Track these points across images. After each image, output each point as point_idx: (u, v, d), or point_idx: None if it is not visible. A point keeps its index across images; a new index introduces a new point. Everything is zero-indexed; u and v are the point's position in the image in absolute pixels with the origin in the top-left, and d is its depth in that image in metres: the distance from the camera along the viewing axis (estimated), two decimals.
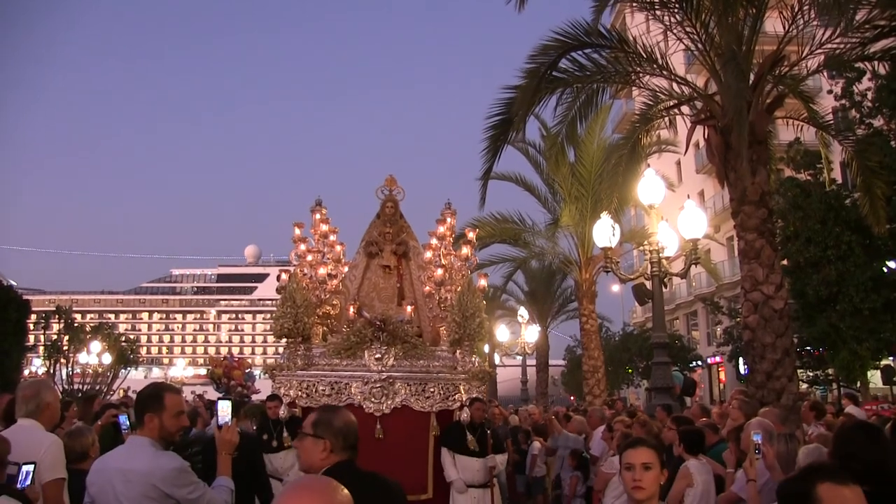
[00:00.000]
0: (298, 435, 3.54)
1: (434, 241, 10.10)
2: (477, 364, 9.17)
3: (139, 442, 3.93)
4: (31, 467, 4.15)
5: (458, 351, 8.95)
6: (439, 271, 9.48)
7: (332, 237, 10.53)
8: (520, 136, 12.09)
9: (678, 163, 41.29)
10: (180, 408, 4.10)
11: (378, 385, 8.72)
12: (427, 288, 9.82)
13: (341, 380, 8.83)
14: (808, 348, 24.37)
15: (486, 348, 38.89)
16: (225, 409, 4.39)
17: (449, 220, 10.16)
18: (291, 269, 9.76)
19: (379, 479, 3.51)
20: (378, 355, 8.80)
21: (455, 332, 8.73)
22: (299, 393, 8.83)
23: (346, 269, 10.59)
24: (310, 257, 9.90)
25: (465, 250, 9.88)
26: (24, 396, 4.72)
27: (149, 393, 4.07)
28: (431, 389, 8.79)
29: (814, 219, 21.25)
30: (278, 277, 9.64)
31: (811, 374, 25.52)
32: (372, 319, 8.98)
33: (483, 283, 10.07)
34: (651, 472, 3.47)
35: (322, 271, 9.78)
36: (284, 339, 9.01)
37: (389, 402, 8.71)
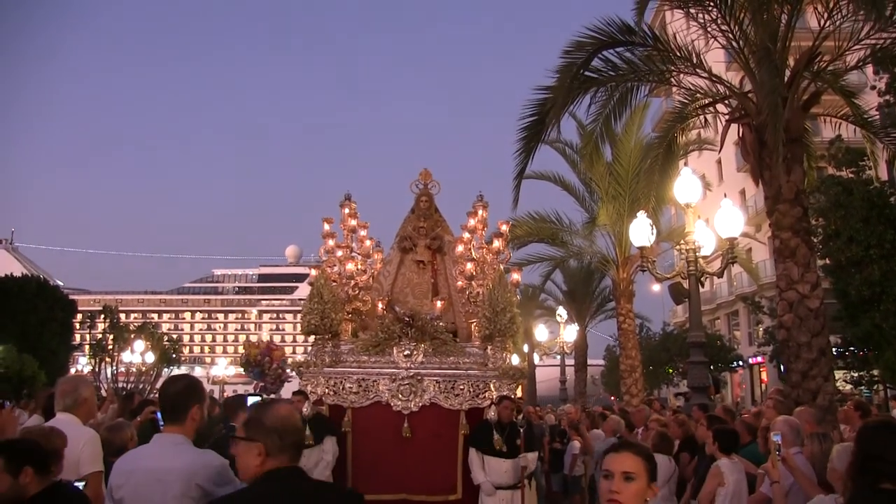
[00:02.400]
0: (231, 440, 3.18)
1: (465, 235, 9.87)
2: (508, 361, 8.91)
3: (176, 440, 3.68)
4: (81, 484, 4.23)
5: (489, 347, 8.74)
6: (469, 265, 9.29)
7: (363, 232, 10.37)
8: (553, 136, 12.06)
9: (718, 161, 40.83)
10: None
11: (406, 382, 8.58)
12: (460, 283, 9.63)
13: (369, 377, 8.70)
14: (853, 349, 23.98)
15: (526, 347, 39.08)
16: None
17: (481, 212, 9.90)
18: (321, 264, 9.65)
19: (328, 490, 3.23)
20: (407, 352, 8.66)
21: (486, 328, 8.53)
22: (326, 390, 8.69)
23: (378, 264, 10.43)
24: (339, 253, 9.78)
25: (497, 244, 9.64)
26: (62, 391, 4.84)
27: (190, 383, 3.85)
28: (461, 387, 8.62)
29: (856, 217, 20.87)
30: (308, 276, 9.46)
31: (856, 374, 25.12)
32: (400, 315, 8.82)
33: (516, 277, 9.71)
34: (634, 483, 2.79)
35: (350, 266, 9.63)
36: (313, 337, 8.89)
37: (418, 400, 8.57)
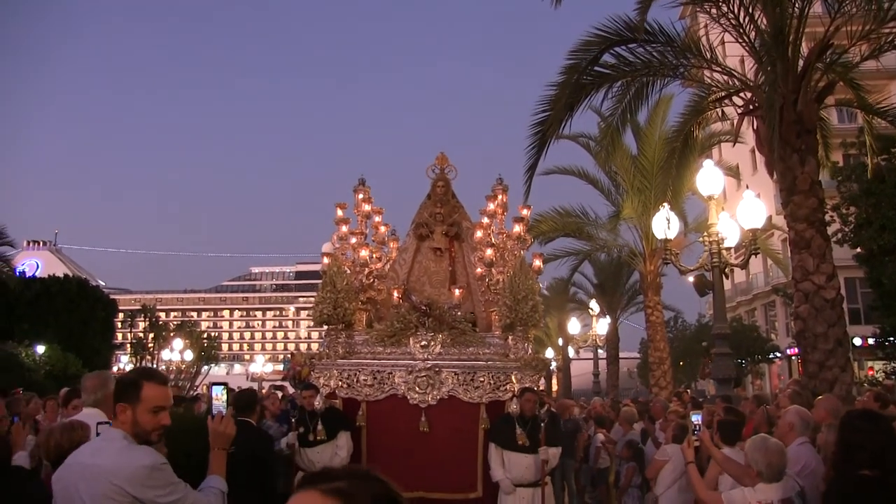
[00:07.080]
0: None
1: (485, 220, 9.38)
2: (531, 351, 8.41)
3: (111, 435, 3.34)
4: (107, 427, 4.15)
5: (510, 337, 8.28)
6: (489, 251, 8.83)
7: (377, 218, 9.93)
8: (565, 132, 12.04)
9: (752, 150, 40.36)
10: (161, 402, 3.34)
11: (423, 374, 8.17)
12: (479, 270, 9.15)
13: (384, 369, 8.30)
14: (892, 339, 23.67)
15: (560, 341, 39.06)
16: (219, 396, 3.78)
17: (500, 196, 9.43)
18: (334, 252, 9.22)
19: None
20: (424, 342, 8.25)
21: (506, 317, 8.09)
22: (340, 383, 8.32)
23: (393, 252, 10.03)
24: (353, 239, 9.35)
25: (518, 228, 9.18)
26: (89, 387, 4.89)
27: (127, 380, 3.43)
28: (481, 379, 8.16)
29: (887, 205, 20.57)
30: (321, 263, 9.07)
31: (895, 365, 24.81)
32: (417, 304, 8.44)
33: (538, 263, 9.08)
34: None
35: (364, 254, 9.21)
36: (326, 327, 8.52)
37: (435, 393, 8.15)
